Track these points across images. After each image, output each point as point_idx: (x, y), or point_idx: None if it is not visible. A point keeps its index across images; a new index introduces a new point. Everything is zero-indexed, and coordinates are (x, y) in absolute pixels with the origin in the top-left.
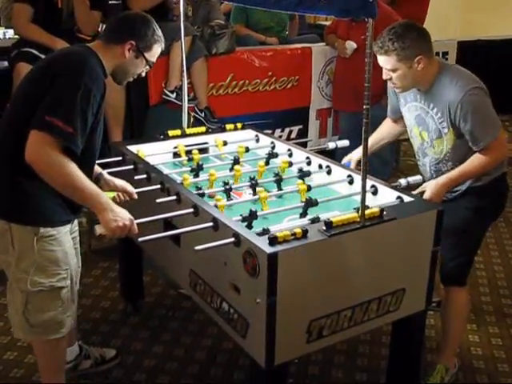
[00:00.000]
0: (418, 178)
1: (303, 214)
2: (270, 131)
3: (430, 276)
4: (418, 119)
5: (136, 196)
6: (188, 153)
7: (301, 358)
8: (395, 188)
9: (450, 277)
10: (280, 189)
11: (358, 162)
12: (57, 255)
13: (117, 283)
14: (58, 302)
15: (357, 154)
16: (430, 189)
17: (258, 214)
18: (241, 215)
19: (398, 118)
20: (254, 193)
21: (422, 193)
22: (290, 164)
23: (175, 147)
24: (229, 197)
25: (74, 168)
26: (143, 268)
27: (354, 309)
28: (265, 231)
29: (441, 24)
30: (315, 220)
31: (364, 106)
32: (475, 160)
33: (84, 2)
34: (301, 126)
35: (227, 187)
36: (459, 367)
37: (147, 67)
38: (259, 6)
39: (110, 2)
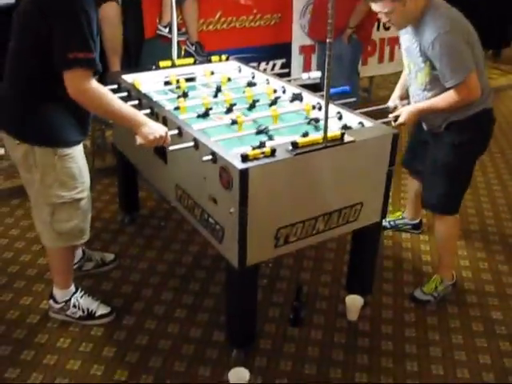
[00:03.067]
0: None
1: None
2: (255, 64)
3: (385, 192)
4: (407, 51)
5: None
6: (177, 81)
7: (274, 262)
8: (358, 114)
9: (435, 206)
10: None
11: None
12: (74, 171)
13: (116, 197)
14: (79, 212)
15: (396, 93)
16: (403, 115)
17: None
18: (256, 128)
19: None
20: None
21: (397, 117)
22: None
23: (166, 76)
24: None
25: (109, 95)
26: (139, 185)
27: (317, 219)
28: (261, 144)
29: None
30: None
31: (327, 40)
32: (444, 96)
33: None
34: (284, 60)
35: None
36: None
37: None
38: None
39: None
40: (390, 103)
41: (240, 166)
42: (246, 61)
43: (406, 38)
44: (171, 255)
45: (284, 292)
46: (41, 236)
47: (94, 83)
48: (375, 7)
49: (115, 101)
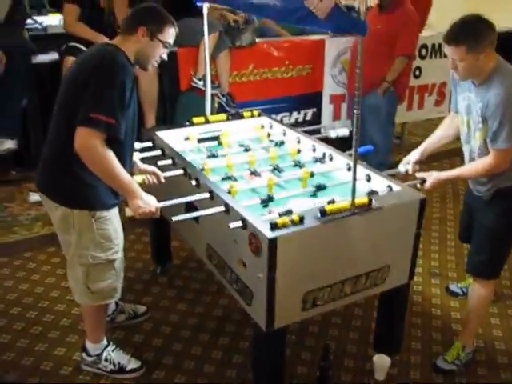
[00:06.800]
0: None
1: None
2: (287, 113)
3: (412, 254)
4: (467, 109)
5: (163, 179)
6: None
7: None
8: (386, 176)
9: (477, 271)
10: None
11: (415, 163)
12: (110, 233)
13: (149, 247)
14: (113, 272)
15: (413, 157)
16: (429, 181)
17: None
18: (260, 198)
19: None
20: None
21: (423, 180)
22: (299, 151)
23: (200, 133)
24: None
25: (112, 159)
26: (172, 234)
27: (344, 283)
28: (288, 212)
29: (447, 16)
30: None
31: (355, 99)
32: (479, 162)
33: (124, 1)
34: (315, 110)
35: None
36: (482, 348)
37: (165, 49)
38: (270, 18)
39: None
40: (401, 168)
41: (269, 234)
42: (277, 111)
43: (466, 96)
44: (202, 308)
45: (312, 348)
46: (74, 293)
47: (101, 143)
48: (448, 50)
49: (117, 167)
